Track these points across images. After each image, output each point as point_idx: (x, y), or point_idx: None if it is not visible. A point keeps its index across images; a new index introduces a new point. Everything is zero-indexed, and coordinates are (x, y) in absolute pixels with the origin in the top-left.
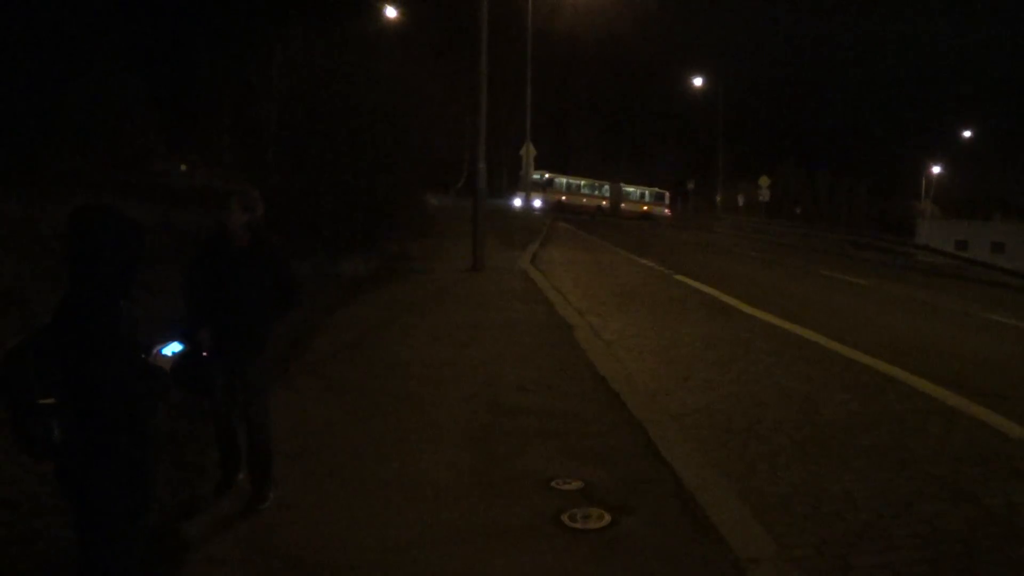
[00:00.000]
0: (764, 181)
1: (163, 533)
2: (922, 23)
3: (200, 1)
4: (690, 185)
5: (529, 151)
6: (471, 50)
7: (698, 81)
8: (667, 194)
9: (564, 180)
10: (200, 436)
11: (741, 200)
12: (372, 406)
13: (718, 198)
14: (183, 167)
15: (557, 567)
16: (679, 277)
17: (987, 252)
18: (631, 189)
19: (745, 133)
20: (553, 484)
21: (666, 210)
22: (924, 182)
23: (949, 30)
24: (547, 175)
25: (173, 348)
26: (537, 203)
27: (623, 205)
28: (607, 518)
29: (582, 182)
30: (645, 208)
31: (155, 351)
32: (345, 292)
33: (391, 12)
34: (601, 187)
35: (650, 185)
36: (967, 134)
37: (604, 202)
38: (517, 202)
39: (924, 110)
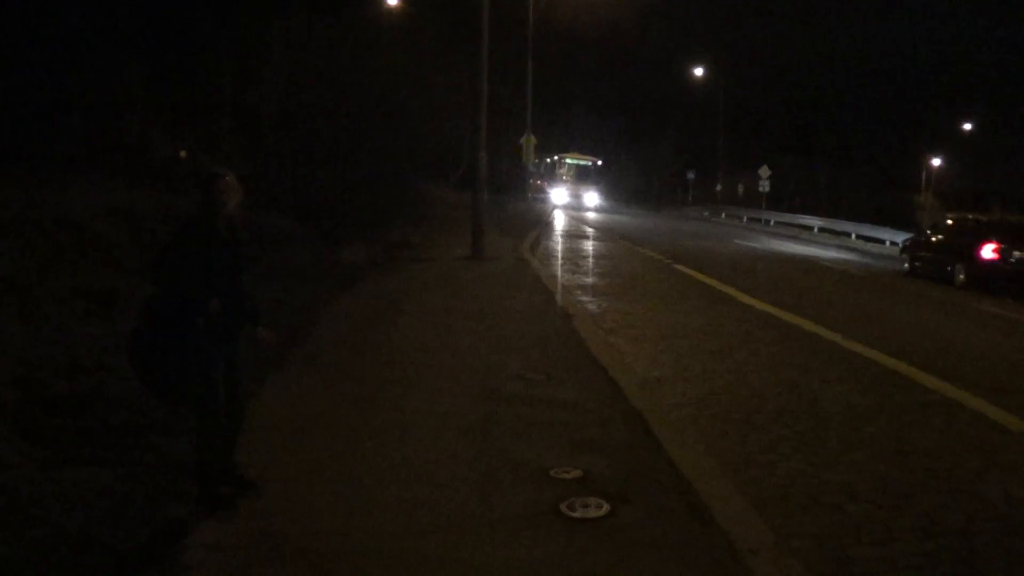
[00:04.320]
0: (764, 171)
1: (161, 520)
2: (923, 15)
3: None
4: (690, 175)
5: (530, 141)
6: (473, 38)
7: (699, 71)
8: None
9: None
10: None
11: (741, 190)
12: (370, 394)
13: (718, 188)
14: (183, 154)
15: (556, 556)
16: (679, 267)
17: None
18: None
19: (745, 123)
20: (552, 473)
21: None
22: (924, 174)
23: (949, 22)
24: None
25: None
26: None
27: None
28: (606, 507)
29: None
30: None
31: None
32: (345, 279)
33: None
34: None
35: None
36: (967, 126)
37: None
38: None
39: (924, 102)
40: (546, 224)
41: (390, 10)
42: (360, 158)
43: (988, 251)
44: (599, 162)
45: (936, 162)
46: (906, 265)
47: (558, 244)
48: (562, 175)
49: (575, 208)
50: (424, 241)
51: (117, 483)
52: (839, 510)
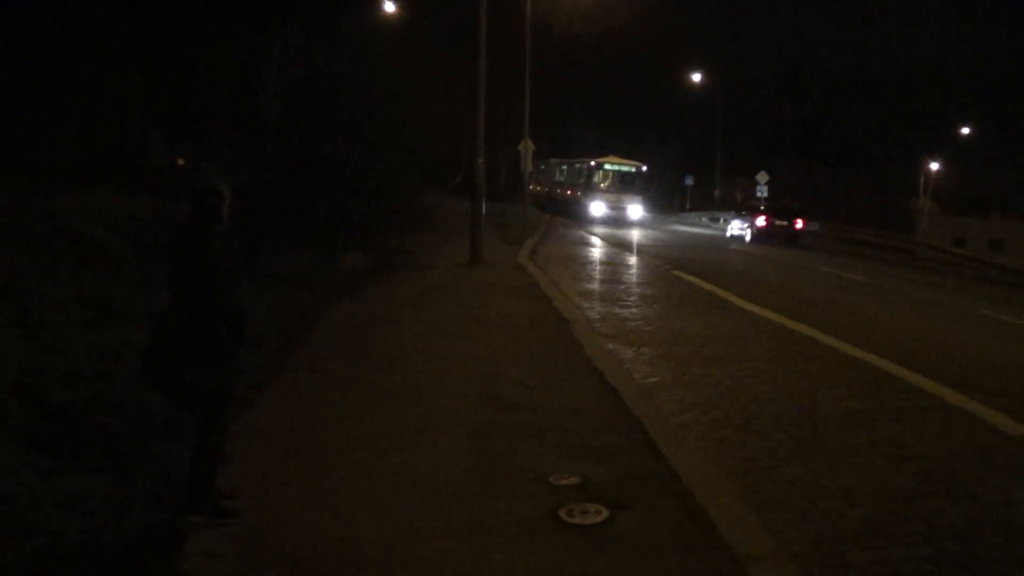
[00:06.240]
0: (762, 177)
1: (160, 528)
2: (922, 21)
3: None
4: (688, 181)
5: (527, 147)
6: (470, 43)
7: (697, 76)
8: None
9: None
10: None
11: (739, 196)
12: (369, 400)
13: (716, 194)
14: (181, 161)
15: (554, 562)
16: (677, 272)
17: (986, 249)
18: None
19: (744, 128)
20: (551, 479)
21: None
22: (923, 179)
23: (948, 28)
24: None
25: None
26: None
27: None
28: (605, 514)
29: None
30: None
31: None
32: (343, 286)
33: (390, 7)
34: None
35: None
36: (966, 131)
37: None
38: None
39: (923, 107)
40: (544, 231)
41: (389, 18)
42: (358, 165)
43: (761, 220)
44: (644, 168)
45: (934, 166)
46: (727, 234)
47: (556, 251)
48: (600, 183)
49: (615, 223)
50: (422, 248)
51: (116, 490)
52: (838, 515)
